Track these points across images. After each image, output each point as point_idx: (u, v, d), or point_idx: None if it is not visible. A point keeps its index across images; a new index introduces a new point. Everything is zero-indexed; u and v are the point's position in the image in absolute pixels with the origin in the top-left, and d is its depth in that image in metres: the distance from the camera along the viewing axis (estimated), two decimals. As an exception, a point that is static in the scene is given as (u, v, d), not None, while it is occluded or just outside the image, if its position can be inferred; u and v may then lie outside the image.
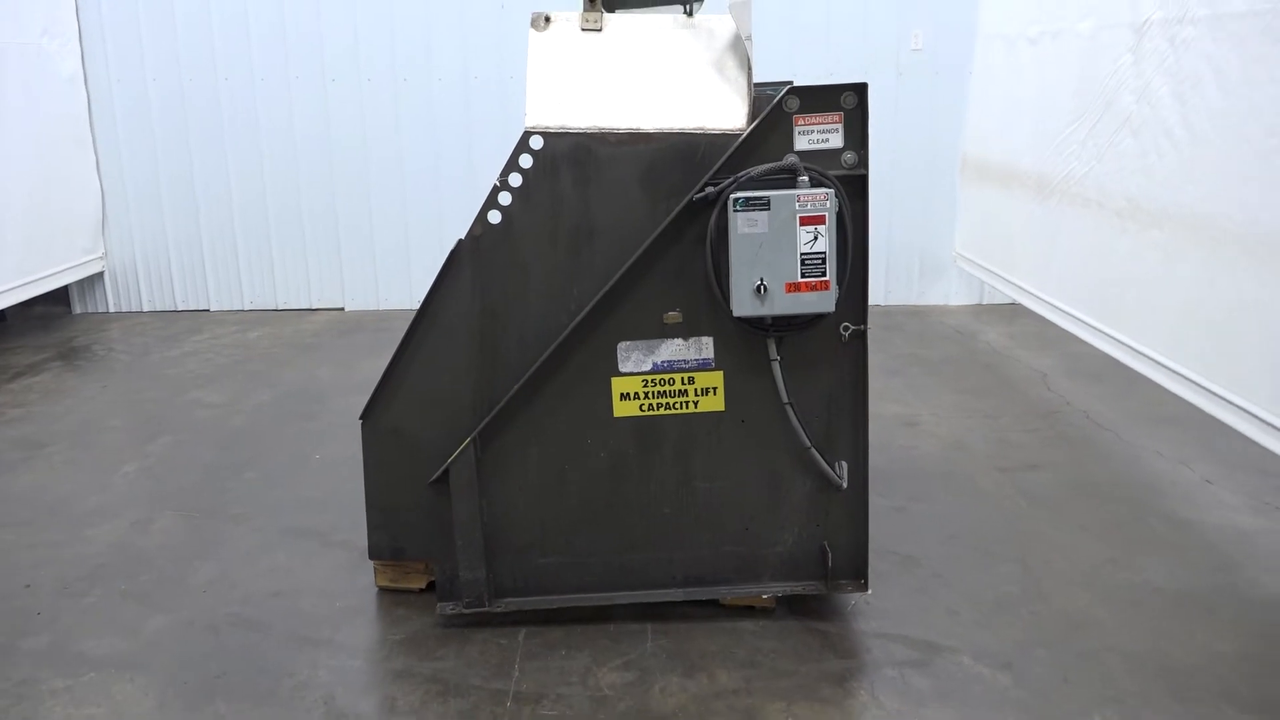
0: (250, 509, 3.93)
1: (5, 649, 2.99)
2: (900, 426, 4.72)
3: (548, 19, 3.02)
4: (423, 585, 3.25)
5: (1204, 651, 2.92)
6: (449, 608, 3.08)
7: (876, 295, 7.05)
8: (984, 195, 6.34)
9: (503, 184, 2.85)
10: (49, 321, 6.99)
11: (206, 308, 7.20)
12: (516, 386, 2.93)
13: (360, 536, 3.41)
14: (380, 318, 6.91)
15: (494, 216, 2.88)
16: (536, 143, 2.82)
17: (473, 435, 2.96)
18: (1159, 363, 4.17)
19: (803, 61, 6.40)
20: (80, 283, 7.09)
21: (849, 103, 2.75)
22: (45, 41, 6.48)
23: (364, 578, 3.34)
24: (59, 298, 7.09)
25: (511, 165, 2.84)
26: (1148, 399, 4.72)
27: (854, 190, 2.78)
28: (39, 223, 6.39)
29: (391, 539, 3.19)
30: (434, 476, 3.01)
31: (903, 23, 6.61)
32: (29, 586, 3.36)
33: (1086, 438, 4.60)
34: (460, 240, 2.91)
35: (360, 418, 3.11)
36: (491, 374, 2.97)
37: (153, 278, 7.18)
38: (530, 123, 2.83)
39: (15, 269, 6.19)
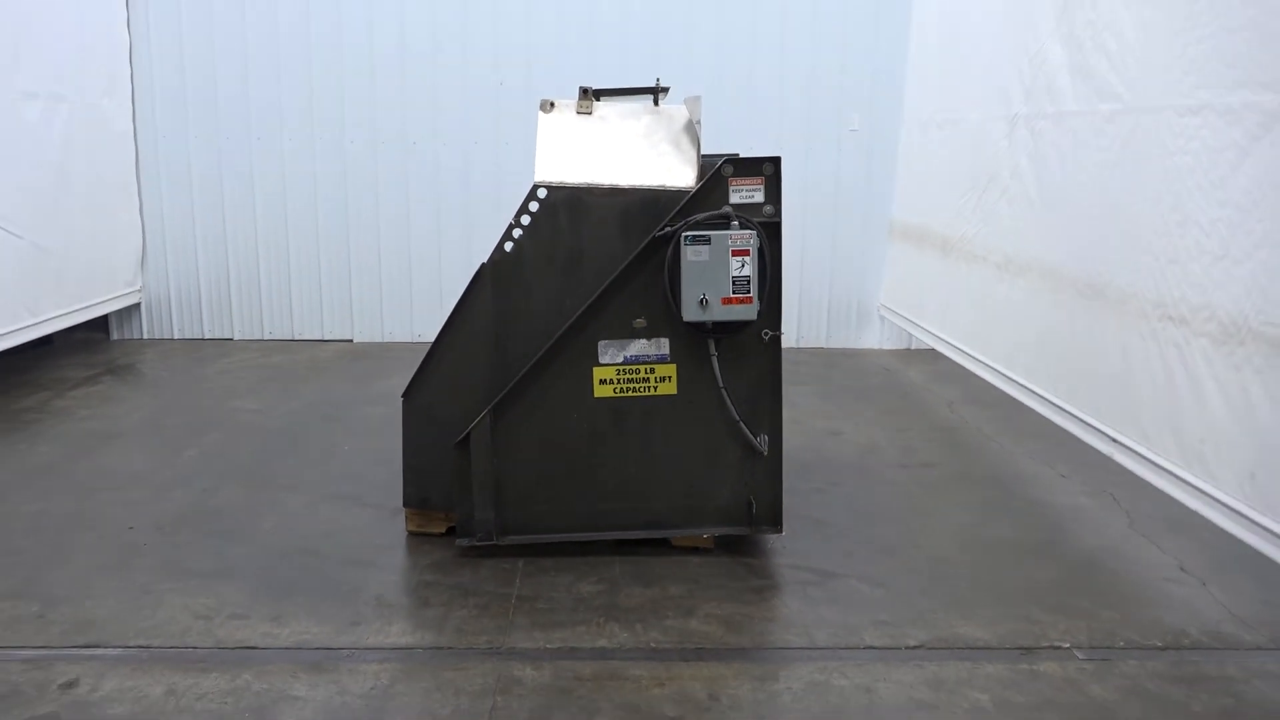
0: (296, 481, 4.87)
1: (124, 565, 3.91)
2: (827, 435, 5.75)
3: (552, 104, 4.10)
4: (443, 530, 4.20)
5: (1028, 578, 3.94)
6: (465, 542, 4.03)
7: (818, 339, 8.17)
8: (905, 254, 7.49)
9: (516, 222, 3.89)
10: (90, 345, 7.89)
11: (230, 336, 8.14)
12: (521, 373, 3.92)
13: (388, 500, 4.40)
14: (385, 348, 7.89)
15: (508, 246, 3.91)
16: (542, 193, 3.87)
17: (489, 408, 3.94)
18: (1023, 385, 5.25)
19: (757, 135, 7.51)
20: (119, 311, 8.03)
21: (768, 170, 3.83)
22: (105, 101, 7.51)
23: (395, 527, 4.29)
24: (97, 325, 8.00)
25: (523, 209, 3.88)
26: (1030, 420, 5.72)
27: (771, 233, 3.83)
28: (89, 259, 7.33)
29: (420, 491, 4.17)
30: (458, 439, 3.98)
31: (842, 107, 7.81)
32: (131, 528, 4.27)
33: (975, 445, 5.66)
34: (482, 264, 3.93)
35: (402, 396, 4.09)
36: (503, 363, 3.96)
37: (183, 309, 8.13)
38: (538, 178, 3.88)
39: (70, 298, 7.11)
